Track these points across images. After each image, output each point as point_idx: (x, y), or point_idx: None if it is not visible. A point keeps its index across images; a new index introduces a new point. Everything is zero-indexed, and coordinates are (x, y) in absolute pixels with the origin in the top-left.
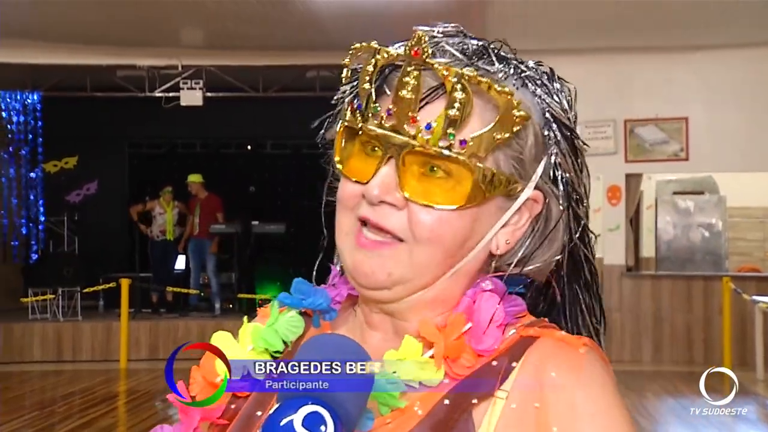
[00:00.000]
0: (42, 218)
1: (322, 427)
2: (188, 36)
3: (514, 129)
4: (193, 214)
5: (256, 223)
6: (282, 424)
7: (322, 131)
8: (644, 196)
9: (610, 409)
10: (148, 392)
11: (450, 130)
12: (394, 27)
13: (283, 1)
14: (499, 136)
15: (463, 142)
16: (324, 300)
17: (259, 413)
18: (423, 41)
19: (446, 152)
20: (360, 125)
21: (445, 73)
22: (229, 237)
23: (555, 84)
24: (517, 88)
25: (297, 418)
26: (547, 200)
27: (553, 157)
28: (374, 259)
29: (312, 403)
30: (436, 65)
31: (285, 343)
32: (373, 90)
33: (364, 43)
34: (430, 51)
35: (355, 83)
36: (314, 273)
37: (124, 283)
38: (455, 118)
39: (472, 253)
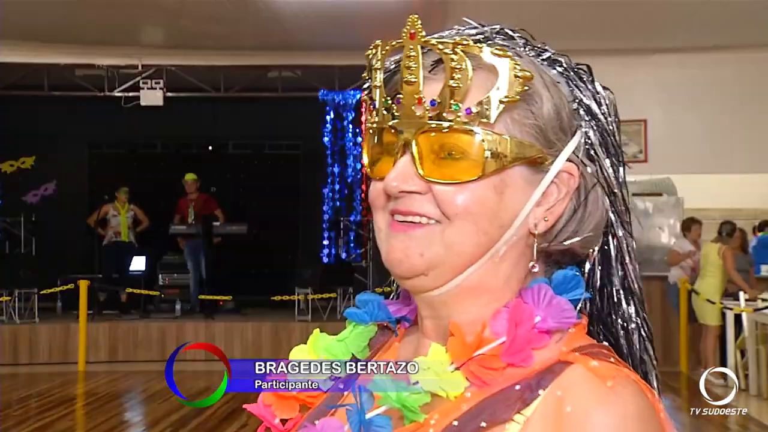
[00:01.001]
0: None
1: None
2: (148, 35)
3: (518, 89)
4: (186, 213)
5: (217, 223)
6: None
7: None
8: None
9: None
10: (107, 395)
11: (454, 102)
12: (356, 28)
13: (245, 1)
14: (506, 99)
15: (468, 110)
16: (383, 313)
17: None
18: (416, 23)
19: (453, 124)
20: (377, 122)
21: (441, 47)
22: (189, 238)
23: (592, 79)
24: (542, 64)
25: None
26: (584, 175)
27: (588, 133)
28: (406, 242)
29: None
30: (432, 41)
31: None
32: (381, 85)
33: (371, 46)
34: (423, 32)
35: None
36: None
37: (83, 284)
38: (457, 89)
39: (509, 233)
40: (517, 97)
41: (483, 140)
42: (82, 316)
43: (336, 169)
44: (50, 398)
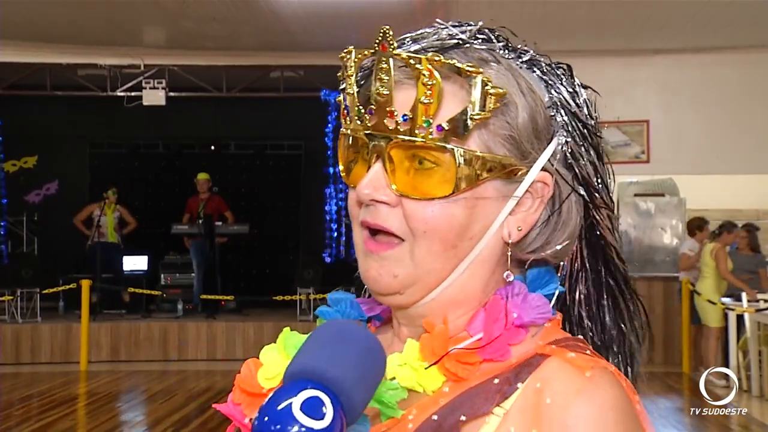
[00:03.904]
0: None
1: (322, 411)
2: (150, 35)
3: (490, 106)
4: (195, 213)
5: (219, 223)
6: (279, 408)
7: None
8: None
9: None
10: (108, 394)
11: (425, 118)
12: (358, 28)
13: (247, 1)
14: (477, 116)
15: (439, 128)
16: (355, 311)
17: None
18: (388, 35)
19: (425, 141)
20: (349, 130)
21: (412, 61)
22: (192, 238)
23: (571, 79)
24: (521, 67)
25: (296, 401)
26: (558, 183)
27: (563, 140)
28: (379, 262)
29: (313, 388)
30: (403, 55)
31: None
32: (355, 93)
33: (344, 51)
34: (395, 43)
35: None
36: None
37: (85, 284)
38: (429, 105)
39: (482, 243)
40: (489, 114)
41: (455, 157)
42: (83, 316)
43: (338, 169)
44: (52, 398)
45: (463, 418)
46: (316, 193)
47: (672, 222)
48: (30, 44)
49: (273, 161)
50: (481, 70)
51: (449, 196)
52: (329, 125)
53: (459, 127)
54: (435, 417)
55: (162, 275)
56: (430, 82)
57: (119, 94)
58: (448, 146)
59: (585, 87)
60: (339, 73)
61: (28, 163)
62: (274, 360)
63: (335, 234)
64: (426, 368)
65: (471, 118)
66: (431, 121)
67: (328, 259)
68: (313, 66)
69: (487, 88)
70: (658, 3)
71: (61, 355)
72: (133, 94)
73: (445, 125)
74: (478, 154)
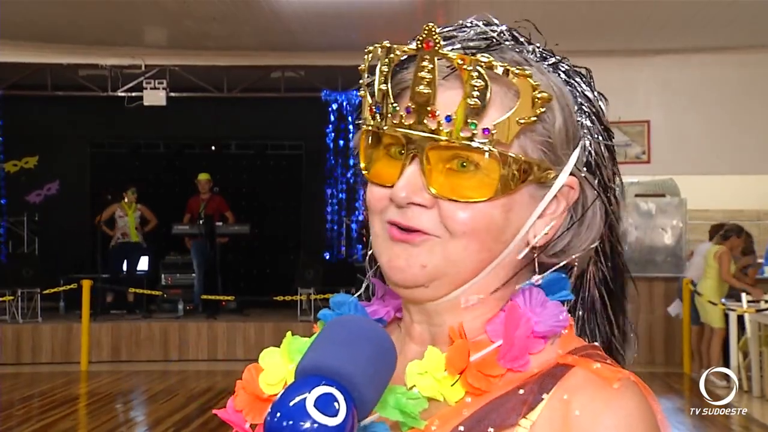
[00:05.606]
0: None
1: (335, 407)
2: (151, 35)
3: (537, 111)
4: (196, 213)
5: (220, 224)
6: (292, 404)
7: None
8: None
9: None
10: (109, 394)
11: (471, 120)
12: (359, 28)
13: (248, 1)
14: (522, 120)
15: (485, 131)
16: (359, 314)
17: None
18: (433, 32)
19: (470, 143)
20: (381, 127)
21: (460, 62)
22: (193, 238)
23: (591, 83)
24: (549, 71)
25: (310, 398)
26: (583, 187)
27: (587, 143)
28: (409, 251)
29: (326, 384)
30: (450, 55)
31: None
32: (389, 89)
33: (376, 44)
34: (441, 42)
35: (370, 85)
36: (364, 287)
37: (86, 284)
38: (475, 107)
39: (511, 246)
40: (534, 118)
41: (497, 161)
42: (84, 316)
43: (339, 170)
44: (53, 398)
45: (491, 429)
46: (317, 193)
47: (673, 222)
48: (30, 44)
49: (274, 161)
50: (530, 73)
51: (489, 200)
52: (330, 125)
53: (504, 131)
54: (461, 428)
55: (163, 275)
56: (477, 84)
57: (120, 94)
58: (493, 149)
59: (600, 94)
60: (362, 66)
61: (28, 163)
62: (276, 365)
63: (336, 234)
64: (452, 385)
65: (517, 123)
66: (477, 123)
67: (328, 259)
68: (313, 66)
69: (534, 93)
70: (658, 3)
71: (62, 355)
72: (133, 94)
73: (492, 129)
74: (520, 158)
